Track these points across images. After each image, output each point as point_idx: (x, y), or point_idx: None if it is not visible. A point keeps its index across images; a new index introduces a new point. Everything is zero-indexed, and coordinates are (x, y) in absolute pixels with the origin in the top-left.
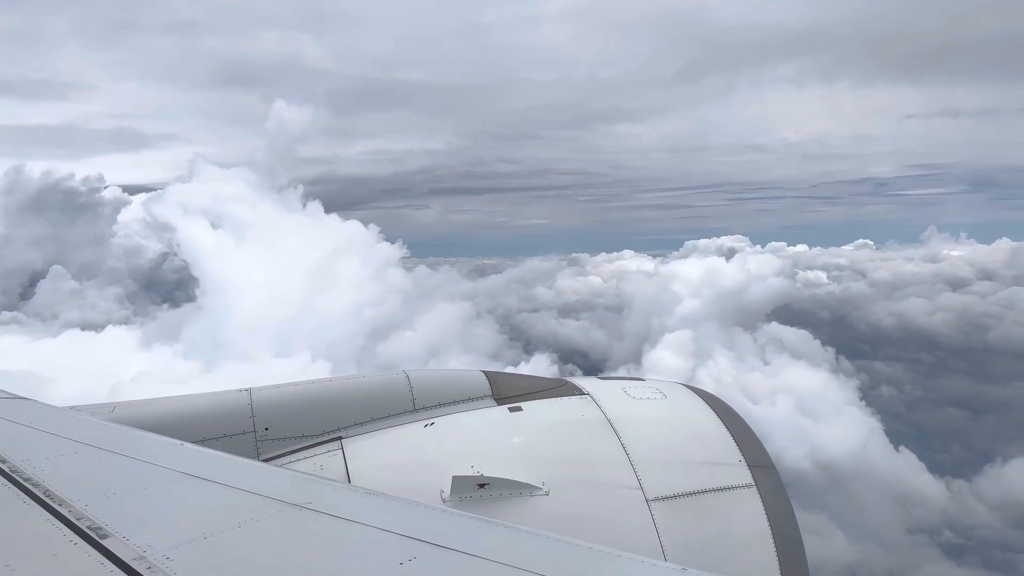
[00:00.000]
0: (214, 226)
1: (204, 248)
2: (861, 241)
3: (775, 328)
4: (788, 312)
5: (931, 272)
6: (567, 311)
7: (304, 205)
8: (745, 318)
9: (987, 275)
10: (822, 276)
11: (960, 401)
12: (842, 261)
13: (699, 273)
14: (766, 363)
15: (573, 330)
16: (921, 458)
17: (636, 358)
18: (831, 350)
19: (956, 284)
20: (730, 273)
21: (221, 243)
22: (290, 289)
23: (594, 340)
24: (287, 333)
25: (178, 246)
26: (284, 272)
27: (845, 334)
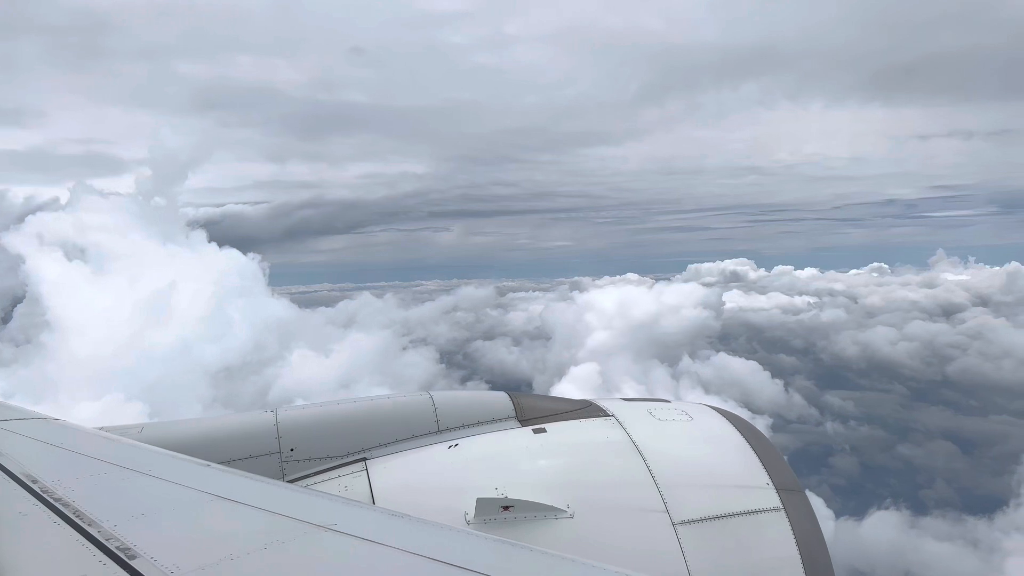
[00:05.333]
0: (69, 258)
1: (52, 281)
2: (875, 264)
3: (722, 359)
4: (763, 338)
5: (910, 299)
6: (522, 339)
7: (187, 235)
8: (663, 350)
9: (983, 300)
10: (808, 302)
11: (907, 439)
12: (837, 286)
13: (612, 304)
14: (679, 398)
15: (520, 359)
16: (831, 504)
17: (547, 391)
18: (780, 382)
19: (949, 310)
20: (644, 304)
21: (73, 277)
22: (130, 325)
23: (536, 370)
24: (115, 372)
25: (26, 278)
26: (131, 307)
27: (806, 364)
